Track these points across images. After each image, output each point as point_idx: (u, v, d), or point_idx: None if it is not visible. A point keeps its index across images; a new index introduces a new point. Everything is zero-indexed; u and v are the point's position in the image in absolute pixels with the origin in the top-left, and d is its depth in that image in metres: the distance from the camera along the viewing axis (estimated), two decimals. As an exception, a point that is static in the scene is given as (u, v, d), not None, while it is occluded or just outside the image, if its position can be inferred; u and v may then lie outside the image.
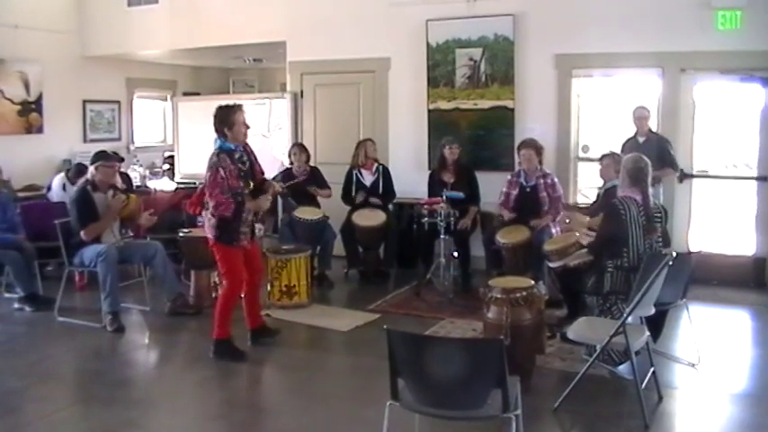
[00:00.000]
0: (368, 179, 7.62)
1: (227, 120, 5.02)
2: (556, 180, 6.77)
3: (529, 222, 6.58)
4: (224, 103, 5.22)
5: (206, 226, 5.18)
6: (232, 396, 4.68)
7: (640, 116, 6.90)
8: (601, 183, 6.46)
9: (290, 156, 7.68)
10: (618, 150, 6.60)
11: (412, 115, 8.16)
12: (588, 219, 6.08)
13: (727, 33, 6.77)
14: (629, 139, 6.94)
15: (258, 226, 5.47)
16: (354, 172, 7.63)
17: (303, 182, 7.42)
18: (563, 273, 5.50)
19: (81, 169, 7.67)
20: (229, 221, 5.02)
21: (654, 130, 6.99)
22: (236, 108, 5.09)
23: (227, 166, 4.98)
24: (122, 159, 8.53)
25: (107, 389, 4.71)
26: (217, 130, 5.05)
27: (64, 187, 8.04)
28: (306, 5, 8.56)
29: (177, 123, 9.75)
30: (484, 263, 6.99)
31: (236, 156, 5.08)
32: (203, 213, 5.22)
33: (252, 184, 5.20)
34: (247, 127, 5.15)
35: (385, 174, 7.67)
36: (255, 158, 5.32)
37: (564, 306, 5.75)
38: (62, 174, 8.38)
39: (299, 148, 7.67)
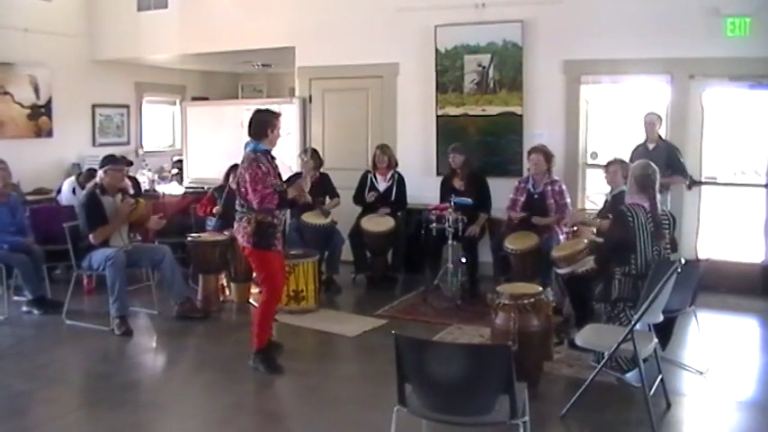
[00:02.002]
0: (381, 185, 7.63)
1: (271, 122, 5.03)
2: (564, 187, 6.76)
3: (536, 228, 6.58)
4: (263, 107, 5.30)
5: (240, 235, 5.01)
6: (239, 400, 4.67)
7: (651, 122, 6.89)
8: (608, 189, 6.44)
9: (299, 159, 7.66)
10: (624, 156, 6.57)
11: (420, 121, 8.17)
12: (597, 220, 6.04)
13: (736, 40, 6.77)
14: (638, 146, 6.93)
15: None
16: (369, 176, 7.66)
17: (310, 190, 7.38)
18: (571, 279, 5.50)
19: (92, 174, 7.66)
20: (267, 226, 4.95)
21: (663, 137, 6.98)
22: (279, 114, 5.17)
23: (265, 163, 4.98)
24: (131, 163, 8.56)
25: (114, 392, 4.72)
26: (255, 133, 5.02)
27: (74, 191, 8.05)
28: (315, 11, 8.58)
29: (186, 128, 9.78)
30: (491, 269, 6.98)
31: (270, 158, 5.12)
32: (236, 224, 5.09)
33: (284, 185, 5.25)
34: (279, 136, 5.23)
35: (399, 182, 7.66)
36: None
37: (561, 313, 5.74)
38: (72, 177, 8.40)
39: (306, 154, 7.64)
